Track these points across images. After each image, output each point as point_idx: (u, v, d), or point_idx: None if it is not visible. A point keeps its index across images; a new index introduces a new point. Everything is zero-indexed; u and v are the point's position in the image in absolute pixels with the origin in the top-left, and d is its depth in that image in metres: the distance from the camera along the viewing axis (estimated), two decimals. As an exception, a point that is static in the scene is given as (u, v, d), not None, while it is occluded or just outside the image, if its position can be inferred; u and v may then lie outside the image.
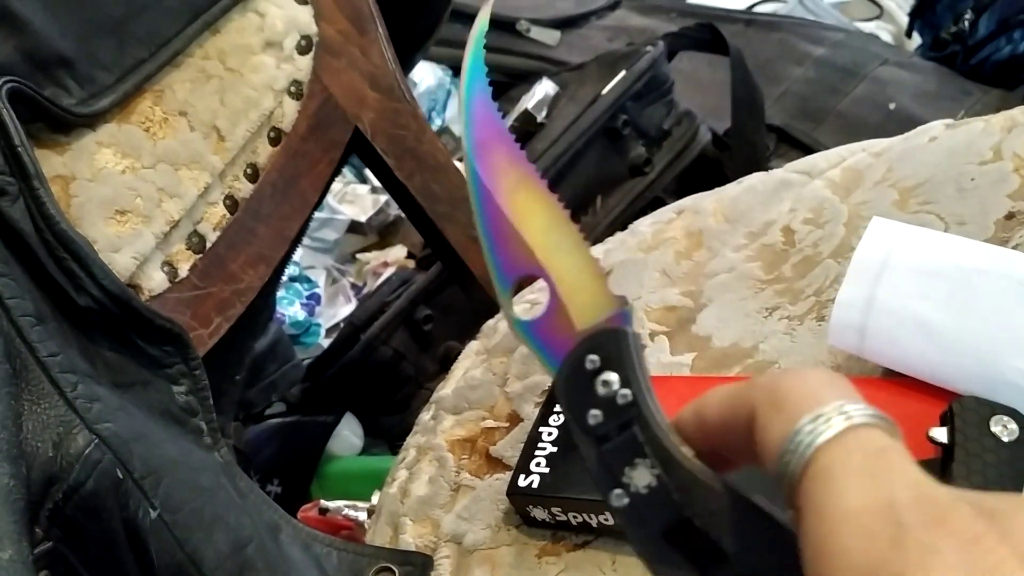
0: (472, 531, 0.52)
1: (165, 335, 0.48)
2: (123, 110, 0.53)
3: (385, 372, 0.98)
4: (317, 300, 1.19)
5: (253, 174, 0.61)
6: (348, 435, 0.96)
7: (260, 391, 0.96)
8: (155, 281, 0.53)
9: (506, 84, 1.50)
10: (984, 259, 0.41)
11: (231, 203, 0.59)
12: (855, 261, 0.45)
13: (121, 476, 0.41)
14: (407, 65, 0.77)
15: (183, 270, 0.55)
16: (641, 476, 0.27)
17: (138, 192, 0.52)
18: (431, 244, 0.74)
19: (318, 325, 1.18)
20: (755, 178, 0.70)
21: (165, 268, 0.54)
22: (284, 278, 1.20)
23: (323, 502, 0.87)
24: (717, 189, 0.71)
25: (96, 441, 0.41)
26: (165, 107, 0.55)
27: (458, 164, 0.75)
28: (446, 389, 0.65)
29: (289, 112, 0.62)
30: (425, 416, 0.65)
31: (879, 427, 0.24)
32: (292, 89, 0.62)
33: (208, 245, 0.57)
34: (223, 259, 0.58)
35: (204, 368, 0.50)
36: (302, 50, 0.63)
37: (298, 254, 1.25)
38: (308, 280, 1.21)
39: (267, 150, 0.61)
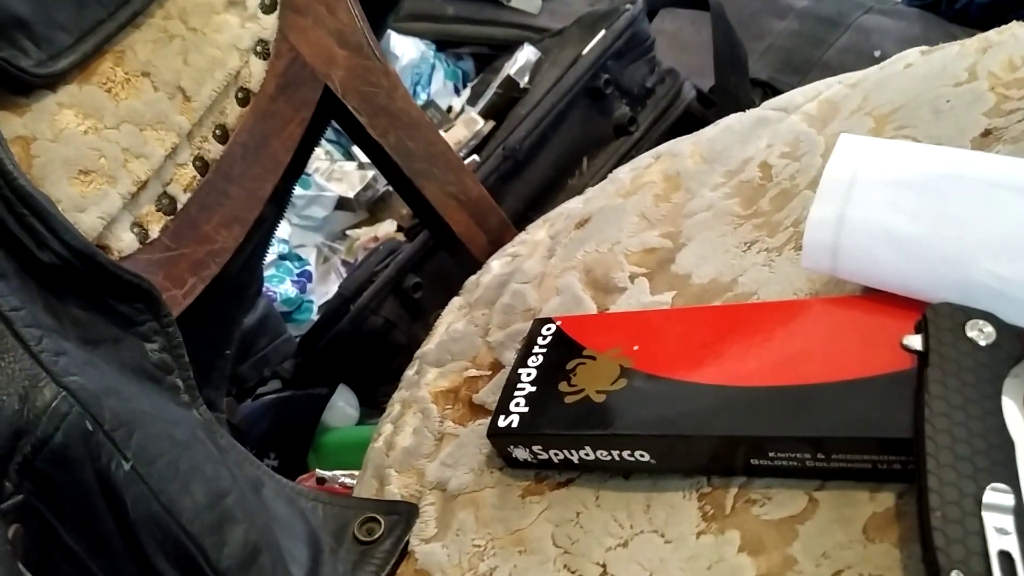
0: (456, 476, 0.52)
1: (134, 292, 0.47)
2: (83, 71, 0.52)
3: (377, 342, 0.97)
4: (308, 277, 1.19)
5: (222, 135, 0.60)
6: (343, 406, 0.95)
7: (252, 366, 0.96)
8: (124, 242, 0.53)
9: (490, 56, 1.49)
10: (952, 165, 0.41)
11: (201, 164, 0.58)
12: (824, 180, 0.45)
13: (91, 428, 0.41)
14: (379, 28, 0.76)
15: (154, 231, 0.55)
16: None
17: (102, 152, 0.51)
18: (411, 204, 0.74)
19: (310, 302, 1.17)
20: (732, 118, 0.69)
21: (135, 229, 0.54)
22: (273, 256, 1.19)
23: (319, 472, 0.87)
24: (695, 133, 0.71)
25: (63, 394, 0.40)
26: (127, 68, 0.54)
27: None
28: (429, 344, 0.65)
29: (256, 72, 0.62)
30: (409, 372, 0.64)
31: None
32: (258, 48, 0.61)
33: (179, 206, 0.57)
34: (195, 220, 0.57)
35: (178, 326, 0.50)
36: (266, 8, 0.62)
37: (287, 232, 1.24)
38: (299, 258, 1.21)
39: (235, 111, 0.61)
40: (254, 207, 0.61)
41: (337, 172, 1.30)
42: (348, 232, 1.29)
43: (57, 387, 0.40)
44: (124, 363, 0.47)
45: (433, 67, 1.50)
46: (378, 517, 0.52)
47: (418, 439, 0.57)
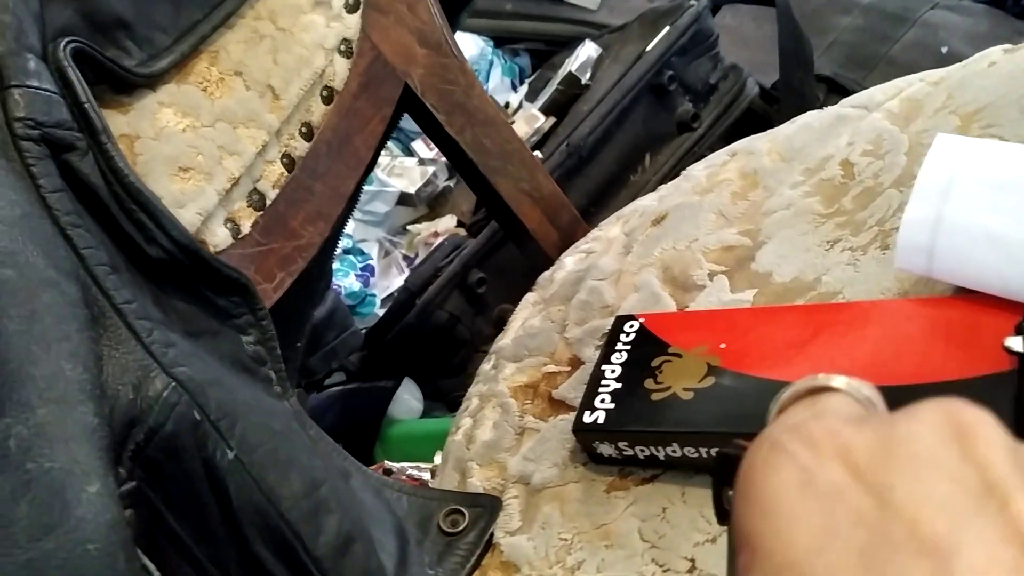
0: (539, 471, 0.53)
1: (232, 285, 0.48)
2: (181, 71, 0.54)
3: (441, 336, 0.99)
4: (371, 271, 1.20)
5: (308, 132, 0.61)
6: (408, 399, 0.97)
7: (320, 358, 0.97)
8: (219, 237, 0.54)
9: (547, 52, 1.49)
10: (1055, 166, 0.40)
11: (288, 161, 0.60)
12: (920, 180, 0.44)
13: (198, 418, 0.42)
14: (454, 23, 0.77)
15: (245, 227, 0.56)
16: None
17: (199, 150, 0.53)
18: (484, 200, 0.75)
19: (373, 295, 1.19)
20: (809, 116, 0.69)
21: (228, 225, 0.55)
22: (338, 251, 1.21)
23: (387, 463, 0.88)
24: (770, 131, 0.70)
25: (173, 384, 0.42)
26: (221, 67, 0.56)
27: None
28: (505, 339, 0.66)
29: (340, 70, 0.63)
30: (486, 367, 0.65)
31: None
32: (342, 47, 0.63)
33: (268, 202, 0.58)
34: (283, 216, 0.59)
35: (271, 320, 0.51)
36: (350, 8, 0.63)
37: (351, 227, 1.26)
38: (361, 252, 1.22)
39: (320, 108, 0.62)
40: (338, 203, 0.62)
41: (398, 168, 1.32)
42: (408, 227, 1.31)
43: (167, 377, 0.41)
44: (223, 355, 0.48)
45: (491, 63, 1.51)
46: (462, 509, 0.53)
47: (499, 433, 0.58)
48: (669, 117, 1.15)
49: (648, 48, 1.12)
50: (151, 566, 0.38)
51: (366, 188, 1.27)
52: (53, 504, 0.33)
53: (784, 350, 0.47)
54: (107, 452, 0.37)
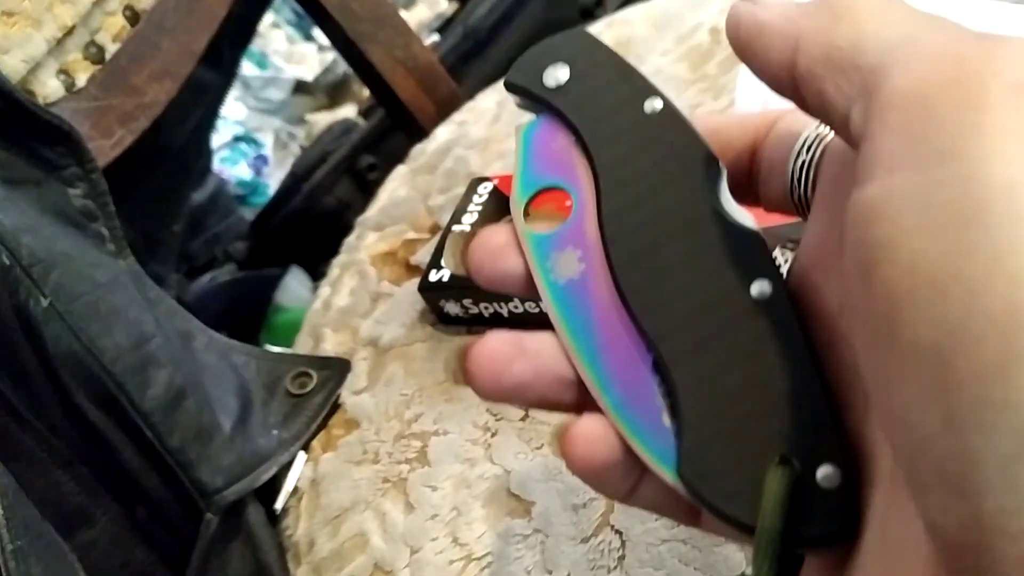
0: (388, 332, 0.52)
1: (56, 134, 0.46)
2: (2, -94, 0.50)
3: (330, 222, 0.96)
4: (264, 161, 1.17)
5: (155, -15, 0.58)
6: (296, 286, 0.95)
7: (203, 244, 0.95)
8: (49, 88, 0.51)
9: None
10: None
11: (131, 14, 0.56)
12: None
13: (8, 263, 0.40)
14: None
15: (80, 80, 0.53)
16: None
17: (23, -7, 0.49)
18: (357, 70, 0.72)
19: (266, 185, 1.15)
20: (686, -15, 0.67)
21: (61, 76, 0.52)
22: (228, 138, 1.17)
23: (271, 348, 0.87)
24: (648, 1, 0.69)
25: (-24, 227, 0.39)
26: (49, -95, 0.52)
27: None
28: (371, 210, 0.64)
29: (190, -80, 0.59)
30: (350, 237, 0.64)
31: None
32: None
33: (107, 56, 0.55)
34: (124, 71, 0.55)
35: (103, 175, 0.49)
36: None
37: (243, 114, 1.22)
38: (255, 141, 1.18)
39: (169, -40, 0.58)
40: (187, 62, 0.59)
41: (296, 54, 1.27)
42: (307, 117, 1.27)
43: (-31, 220, 0.39)
44: (46, 206, 0.46)
45: (399, -53, 1.45)
46: (310, 372, 0.52)
47: (354, 299, 0.56)
48: (572, 3, 1.12)
49: (549, -69, 1.09)
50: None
51: (260, 74, 1.23)
52: None
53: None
54: None
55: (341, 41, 0.69)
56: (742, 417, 0.21)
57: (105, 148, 0.53)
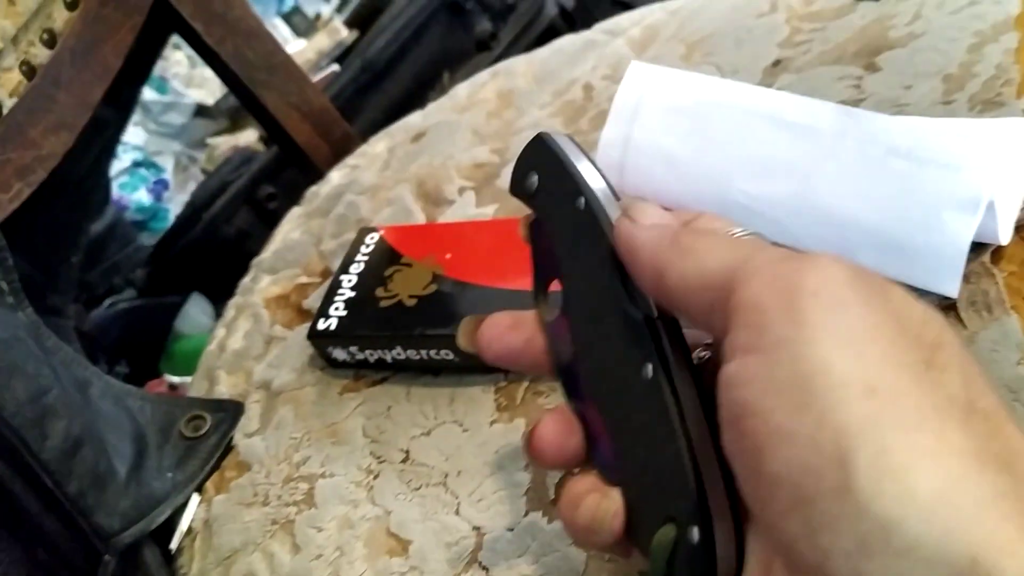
0: (279, 376, 0.55)
1: (-50, 195, 0.48)
2: None
3: (231, 251, 0.98)
4: (165, 185, 1.17)
5: (50, 40, 0.59)
6: (196, 313, 0.96)
7: (101, 273, 0.95)
8: (-57, 145, 0.53)
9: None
10: (718, 93, 0.45)
11: (27, 69, 0.58)
12: (615, 104, 0.48)
13: (-97, 325, 0.42)
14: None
15: (-25, 135, 0.55)
16: None
17: (-86, 53, 0.51)
18: (254, 114, 0.75)
19: (166, 210, 1.16)
20: (565, 39, 0.72)
21: (-45, 133, 0.54)
22: (127, 163, 1.17)
23: (169, 377, 0.88)
24: (531, 53, 0.73)
25: None
26: (-60, -34, 0.53)
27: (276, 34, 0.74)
28: (266, 252, 0.67)
29: (84, -25, 0.61)
30: (246, 279, 0.66)
31: None
32: (86, -49, 0.61)
33: (4, 111, 0.56)
34: (21, 125, 0.57)
35: (1, 231, 0.51)
36: (94, -91, 0.61)
37: (142, 139, 1.22)
38: (155, 166, 1.19)
39: (63, 15, 0.60)
40: (83, 113, 0.61)
41: (197, 77, 1.28)
42: (209, 141, 1.28)
43: None
44: (-59, 265, 0.47)
45: (300, -27, 1.47)
46: (204, 414, 0.54)
47: (248, 342, 0.59)
48: (467, 36, 1.16)
49: (445, -35, 1.12)
50: None
51: (160, 99, 1.23)
52: None
53: (496, 259, 0.50)
54: None
55: (236, 86, 0.71)
56: (647, 482, 0.27)
57: (3, 202, 0.55)
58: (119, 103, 0.83)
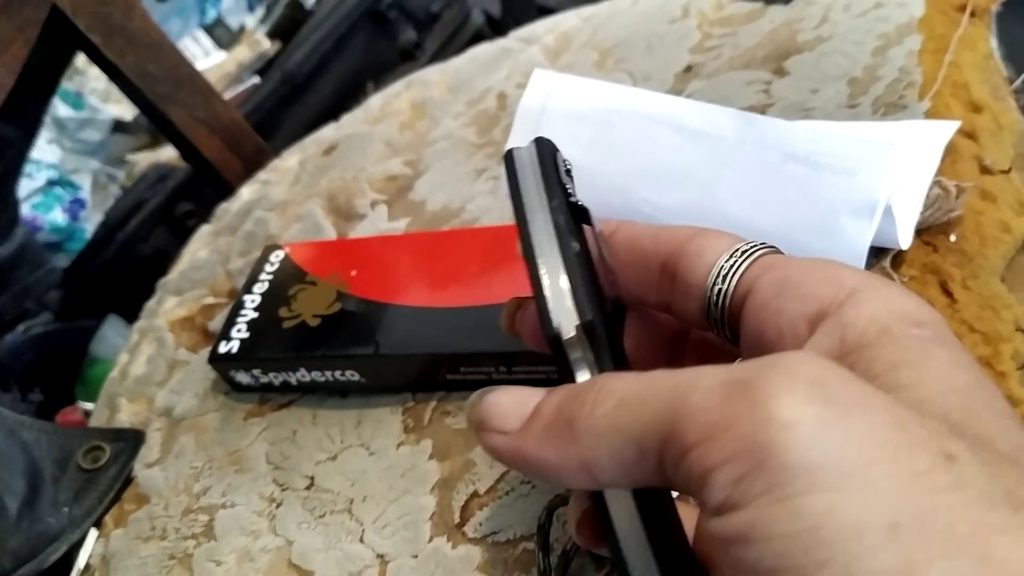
0: (182, 402, 0.53)
1: None
2: None
3: (148, 271, 0.95)
4: (82, 205, 1.13)
5: (-68, 55, 0.57)
6: (113, 336, 0.93)
7: (11, 298, 0.92)
8: None
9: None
10: (620, 101, 0.44)
11: (-94, 86, 0.55)
12: (519, 111, 0.47)
13: None
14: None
15: None
16: None
17: None
18: (161, 130, 0.72)
19: (83, 230, 1.12)
20: (480, 48, 0.71)
21: None
22: (42, 182, 1.13)
23: (83, 404, 0.85)
24: (446, 62, 0.72)
25: None
26: None
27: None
28: (172, 273, 0.65)
29: (-31, -13, 0.58)
30: (151, 301, 0.64)
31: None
32: (-30, -38, 0.58)
33: None
34: (-100, 146, 0.54)
35: None
36: (-23, -82, 0.58)
37: (57, 157, 1.18)
38: (71, 184, 1.15)
39: (-53, 29, 0.57)
40: (-29, 132, 0.58)
41: (115, 93, 1.24)
42: (128, 157, 1.24)
43: None
44: None
45: (223, -16, 1.44)
46: (103, 445, 0.52)
47: (151, 367, 0.57)
48: (391, 45, 1.14)
49: (367, -26, 1.11)
50: None
51: (76, 115, 1.19)
52: None
53: (403, 276, 0.49)
54: None
55: (141, 102, 0.69)
56: None
57: None
58: (22, 120, 0.80)
